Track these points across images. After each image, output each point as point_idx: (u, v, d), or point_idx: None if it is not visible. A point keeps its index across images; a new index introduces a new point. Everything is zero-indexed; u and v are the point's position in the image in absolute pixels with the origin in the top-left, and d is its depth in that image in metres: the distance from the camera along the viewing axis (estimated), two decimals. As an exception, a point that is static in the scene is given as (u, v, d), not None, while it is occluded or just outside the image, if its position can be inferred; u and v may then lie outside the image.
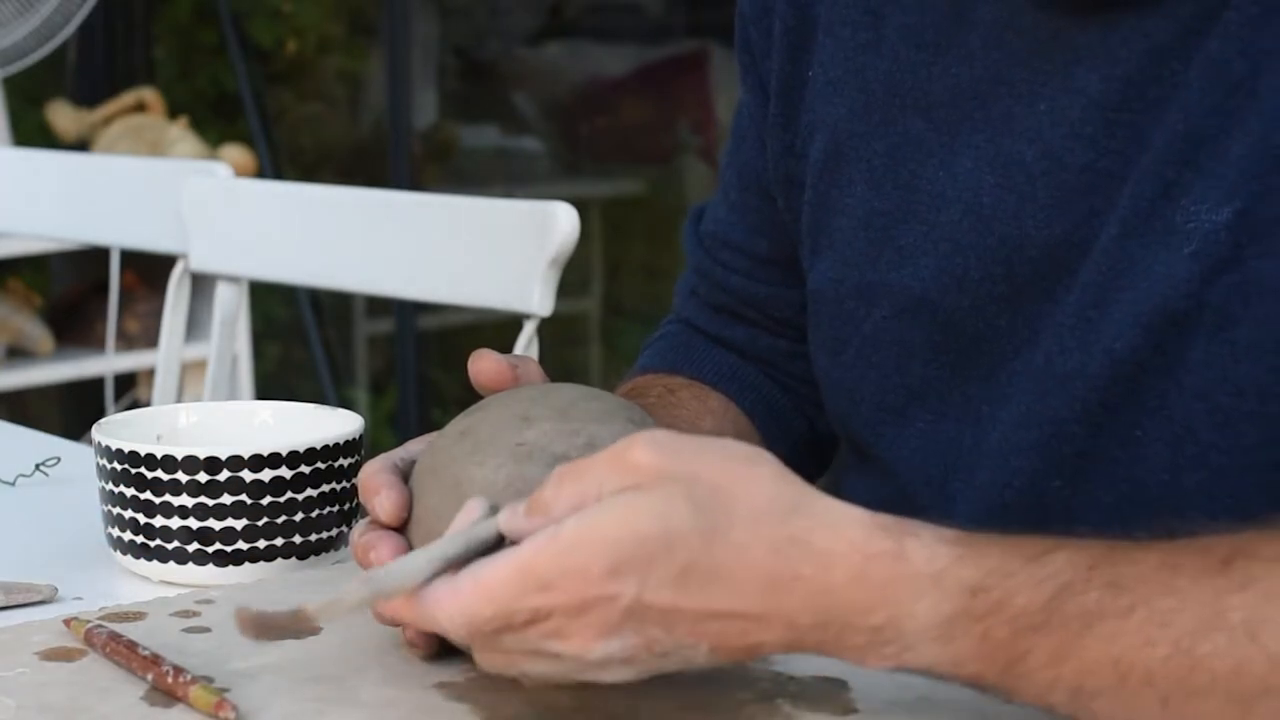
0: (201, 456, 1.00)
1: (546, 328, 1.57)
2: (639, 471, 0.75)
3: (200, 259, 1.83)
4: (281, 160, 4.16)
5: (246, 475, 1.00)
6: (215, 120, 4.16)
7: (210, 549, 1.01)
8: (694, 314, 1.21)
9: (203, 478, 1.00)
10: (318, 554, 1.03)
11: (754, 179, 1.15)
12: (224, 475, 1.00)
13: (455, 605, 0.76)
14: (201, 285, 2.33)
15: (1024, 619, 0.75)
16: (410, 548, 0.85)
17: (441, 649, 0.87)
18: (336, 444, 1.03)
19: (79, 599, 1.00)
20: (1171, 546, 0.76)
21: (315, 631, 0.88)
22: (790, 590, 0.75)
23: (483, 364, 0.92)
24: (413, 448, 0.91)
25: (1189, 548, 0.76)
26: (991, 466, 0.98)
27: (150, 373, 3.25)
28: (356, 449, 1.04)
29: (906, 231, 1.02)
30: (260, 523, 1.01)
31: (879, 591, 0.75)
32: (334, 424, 1.07)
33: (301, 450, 1.01)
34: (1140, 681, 0.74)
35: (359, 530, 0.88)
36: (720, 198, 1.20)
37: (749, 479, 0.76)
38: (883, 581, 0.75)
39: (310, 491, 1.02)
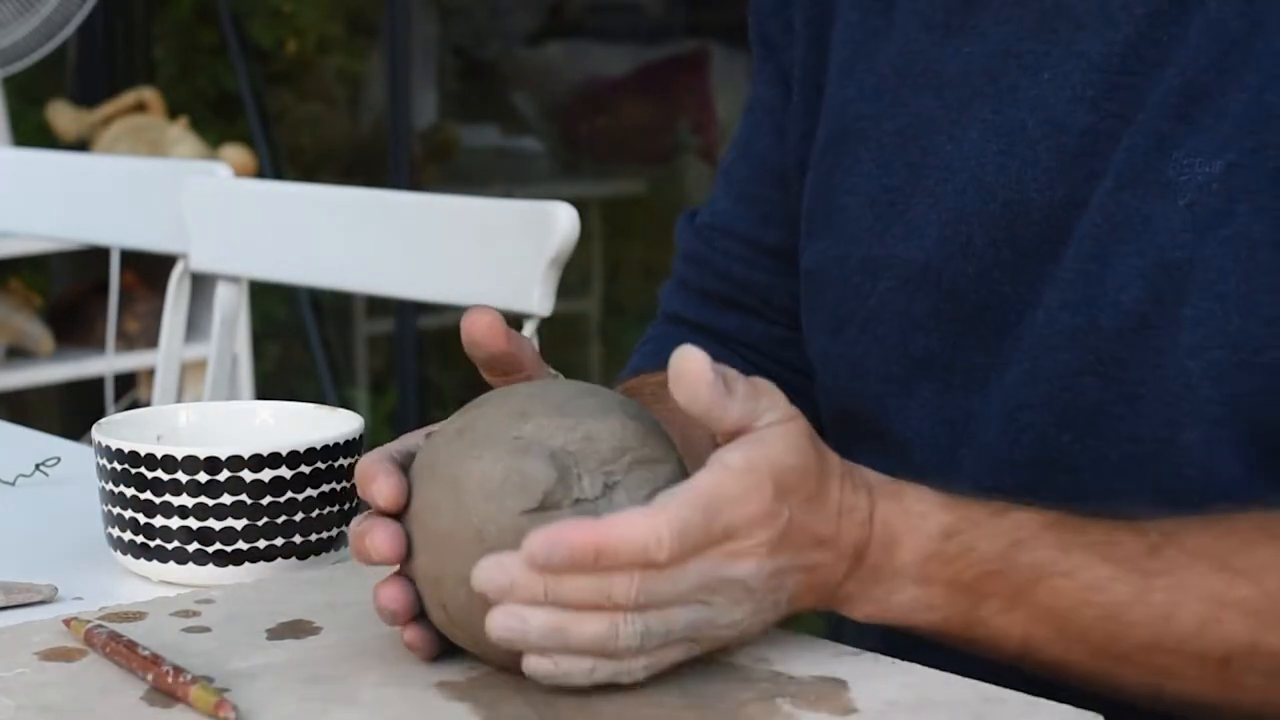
0: (201, 456, 1.00)
1: (546, 328, 1.57)
2: (784, 404, 0.83)
3: (200, 259, 1.83)
4: (281, 160, 4.16)
5: (246, 475, 1.00)
6: (215, 120, 4.16)
7: (210, 549, 1.01)
8: (680, 306, 1.22)
9: (203, 478, 1.00)
10: (318, 554, 1.03)
11: (768, 170, 1.15)
12: (224, 475, 1.00)
13: (665, 515, 0.79)
14: (201, 285, 2.33)
15: (984, 564, 0.86)
16: (409, 541, 0.85)
17: (441, 649, 0.87)
18: (336, 444, 1.03)
19: (79, 599, 1.00)
20: (1113, 524, 0.88)
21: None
22: (849, 517, 0.85)
23: (477, 317, 0.89)
24: (409, 442, 0.91)
25: (1127, 528, 0.87)
26: (999, 427, 1.00)
27: (150, 373, 3.25)
28: (356, 449, 1.04)
29: (914, 205, 1.03)
30: (260, 523, 1.01)
31: (883, 526, 0.85)
32: (334, 424, 1.07)
33: (301, 450, 1.01)
34: (1075, 638, 0.86)
35: (357, 521, 0.87)
36: (721, 193, 1.20)
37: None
38: (886, 516, 0.85)
39: (310, 491, 1.02)
